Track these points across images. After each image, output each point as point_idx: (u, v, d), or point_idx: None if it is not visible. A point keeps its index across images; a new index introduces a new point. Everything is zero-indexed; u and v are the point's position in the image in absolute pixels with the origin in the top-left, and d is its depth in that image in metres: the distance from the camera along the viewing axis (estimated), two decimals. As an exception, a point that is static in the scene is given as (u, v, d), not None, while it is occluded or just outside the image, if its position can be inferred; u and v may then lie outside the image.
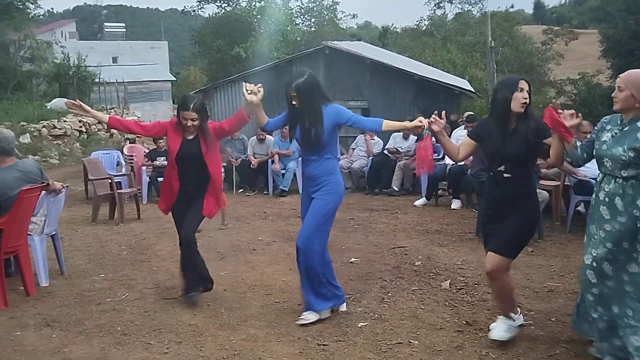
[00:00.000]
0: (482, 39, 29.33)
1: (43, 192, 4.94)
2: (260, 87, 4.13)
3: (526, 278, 5.08)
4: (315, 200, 4.13)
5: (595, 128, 3.54)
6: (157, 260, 6.01)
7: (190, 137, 4.52)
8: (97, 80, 26.35)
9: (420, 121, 3.86)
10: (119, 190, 8.65)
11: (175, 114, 4.64)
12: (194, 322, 4.19)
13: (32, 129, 17.31)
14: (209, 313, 4.37)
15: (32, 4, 26.23)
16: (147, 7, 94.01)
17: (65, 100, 3.80)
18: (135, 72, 35.01)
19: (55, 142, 18.21)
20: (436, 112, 3.77)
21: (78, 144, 18.81)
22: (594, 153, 3.44)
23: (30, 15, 26.94)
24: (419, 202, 9.06)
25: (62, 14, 71.75)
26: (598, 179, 3.42)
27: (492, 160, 3.64)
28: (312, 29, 29.03)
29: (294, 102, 4.02)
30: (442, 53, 29.99)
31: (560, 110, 3.34)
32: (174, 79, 41.41)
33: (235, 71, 18.35)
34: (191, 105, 4.37)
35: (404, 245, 6.40)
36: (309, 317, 4.09)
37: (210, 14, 29.81)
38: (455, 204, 8.76)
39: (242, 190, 11.01)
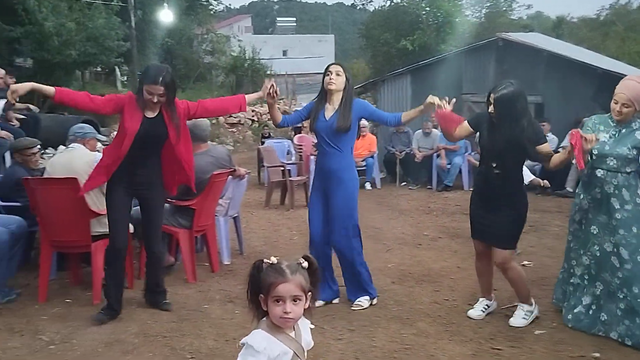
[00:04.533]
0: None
1: (229, 176, 5.33)
2: (278, 90, 4.17)
3: None
4: (335, 203, 4.20)
5: (588, 127, 3.79)
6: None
7: (151, 115, 3.88)
8: (268, 72, 27.80)
9: (432, 99, 3.94)
10: (290, 178, 9.08)
11: (138, 88, 3.95)
12: (365, 312, 4.26)
13: (211, 117, 18.72)
14: (379, 304, 4.41)
15: (214, 0, 28.32)
16: (315, 2, 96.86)
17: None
18: (303, 65, 36.37)
19: (230, 129, 19.62)
20: (447, 97, 3.92)
21: (250, 132, 20.03)
22: (592, 152, 3.65)
23: (212, 12, 29.10)
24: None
25: (239, 10, 76.43)
26: (598, 175, 3.67)
27: (484, 155, 3.93)
28: (482, 20, 28.02)
29: None
30: (629, 44, 27.31)
31: (582, 135, 3.47)
32: (339, 71, 42.35)
33: (400, 64, 18.27)
34: (160, 79, 3.75)
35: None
36: (364, 302, 4.34)
37: (377, 7, 29.96)
38: None
39: (404, 183, 11.02)
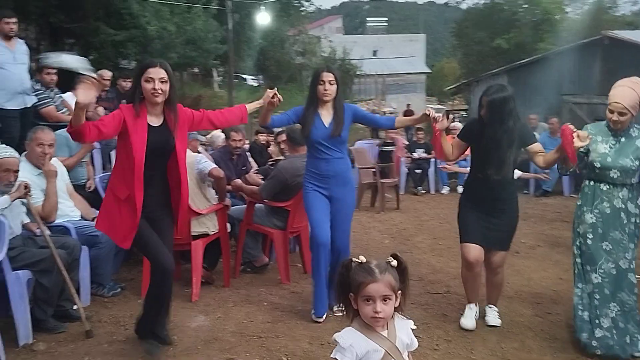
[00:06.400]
0: None
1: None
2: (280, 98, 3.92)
3: None
4: (345, 201, 4.23)
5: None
6: (418, 253, 6.10)
7: (157, 124, 3.36)
8: (358, 72, 27.85)
9: (428, 111, 3.96)
10: (381, 180, 9.01)
11: (132, 86, 3.49)
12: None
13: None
14: (479, 313, 4.26)
15: (306, 1, 28.70)
16: (406, 1, 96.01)
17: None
18: (393, 65, 36.17)
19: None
20: (445, 111, 3.89)
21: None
22: (595, 165, 3.61)
23: (303, 13, 29.51)
24: None
25: (330, 11, 77.15)
26: (603, 189, 3.61)
27: (479, 163, 3.92)
28: (583, 17, 26.75)
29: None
30: None
31: (574, 131, 3.46)
32: (429, 71, 41.79)
33: (494, 64, 17.74)
34: (157, 62, 3.35)
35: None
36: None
37: (471, 5, 29.31)
38: None
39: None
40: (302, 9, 29.09)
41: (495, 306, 4.16)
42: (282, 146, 6.14)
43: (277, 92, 3.85)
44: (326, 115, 4.16)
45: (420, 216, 8.29)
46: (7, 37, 6.03)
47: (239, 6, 18.77)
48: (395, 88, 34.64)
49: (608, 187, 3.61)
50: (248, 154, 6.85)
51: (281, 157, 6.11)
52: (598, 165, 3.60)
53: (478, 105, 3.91)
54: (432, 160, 10.45)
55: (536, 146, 3.85)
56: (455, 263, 5.60)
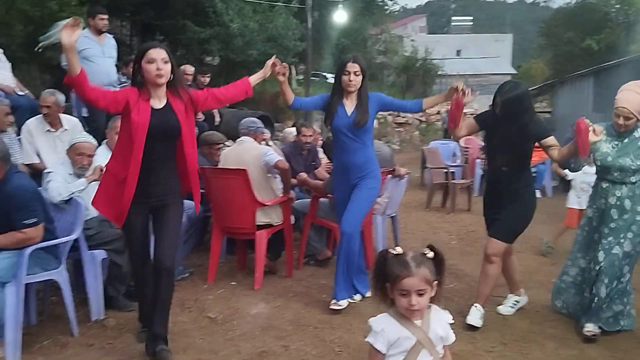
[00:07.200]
0: None
1: (389, 176, 5.35)
2: (285, 65, 3.84)
3: None
4: (361, 187, 4.15)
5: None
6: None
7: (159, 105, 3.29)
8: (440, 72, 27.43)
9: (456, 84, 3.87)
10: (453, 180, 8.89)
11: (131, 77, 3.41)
12: (519, 326, 4.04)
13: (380, 116, 18.92)
14: (536, 320, 4.16)
15: (390, 0, 28.52)
16: (495, 0, 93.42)
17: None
18: (477, 65, 35.40)
19: (397, 129, 19.69)
20: (472, 88, 3.97)
21: (417, 132, 19.94)
22: (597, 163, 3.82)
23: (387, 12, 29.34)
24: None
25: (415, 10, 76.29)
26: (603, 187, 3.81)
27: (491, 155, 3.97)
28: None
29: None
30: None
31: (590, 125, 3.56)
32: (515, 72, 40.54)
33: (583, 65, 16.96)
34: (157, 43, 3.35)
35: None
36: (344, 303, 4.22)
37: (562, 5, 28.17)
38: None
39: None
40: (386, 7, 28.96)
41: (482, 306, 4.00)
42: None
43: (277, 60, 3.80)
44: (349, 105, 4.15)
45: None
46: (99, 32, 6.43)
47: (320, 4, 18.95)
48: (478, 89, 33.80)
49: (608, 184, 3.79)
50: (321, 150, 6.95)
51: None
52: (599, 163, 3.80)
53: (492, 102, 3.89)
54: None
55: (550, 140, 3.86)
56: (522, 268, 5.46)
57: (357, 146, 4.15)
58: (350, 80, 4.06)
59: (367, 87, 4.19)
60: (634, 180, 3.72)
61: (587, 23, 22.62)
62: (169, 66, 3.23)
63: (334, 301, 4.22)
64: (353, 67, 4.05)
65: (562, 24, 24.59)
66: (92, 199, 3.46)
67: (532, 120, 3.84)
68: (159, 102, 3.28)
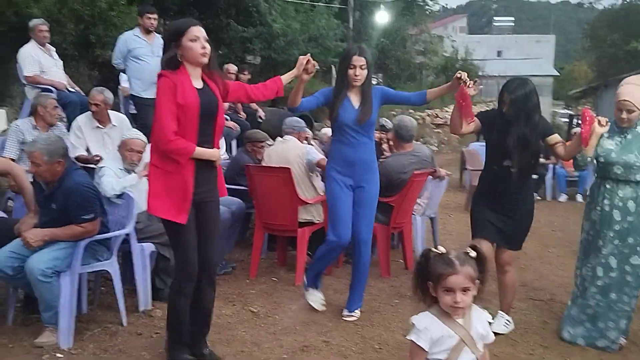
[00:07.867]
0: None
1: (429, 176, 5.38)
2: (315, 64, 3.59)
3: None
4: (370, 190, 4.06)
5: None
6: (525, 259, 5.95)
7: (200, 86, 3.13)
8: (480, 73, 27.09)
9: (460, 74, 3.67)
10: (493, 183, 8.82)
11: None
12: (559, 330, 4.02)
13: (418, 117, 18.84)
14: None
15: (431, 0, 28.32)
16: (538, 0, 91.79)
17: None
18: (518, 66, 34.78)
19: (435, 130, 19.56)
20: (476, 79, 3.79)
21: (456, 133, 19.74)
22: (599, 160, 3.68)
23: (427, 12, 29.15)
24: None
25: (455, 10, 75.57)
26: (607, 187, 3.65)
27: (497, 154, 3.80)
28: None
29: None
30: None
31: (595, 116, 3.54)
32: (557, 74, 39.77)
33: (627, 68, 16.60)
34: (196, 21, 3.19)
35: None
36: (357, 313, 4.17)
37: (607, 6, 27.51)
38: None
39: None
40: (427, 7, 28.77)
41: (507, 314, 3.97)
42: (384, 147, 6.22)
43: (310, 58, 3.59)
44: (355, 99, 4.00)
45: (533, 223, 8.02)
46: (147, 32, 6.62)
47: (361, 4, 19.00)
48: (519, 91, 33.34)
49: (611, 184, 3.66)
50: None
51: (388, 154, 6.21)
52: (602, 160, 3.67)
53: (498, 100, 3.85)
54: (551, 166, 10.04)
55: (555, 137, 3.82)
56: (562, 272, 5.45)
57: (364, 140, 4.01)
58: (356, 75, 3.89)
59: (371, 81, 4.06)
60: (637, 179, 3.59)
61: (633, 25, 22.09)
62: (209, 45, 3.11)
63: (347, 312, 4.18)
64: (359, 60, 3.87)
65: (606, 25, 24.06)
66: (146, 206, 3.19)
67: (541, 118, 3.79)
68: (198, 82, 3.13)
